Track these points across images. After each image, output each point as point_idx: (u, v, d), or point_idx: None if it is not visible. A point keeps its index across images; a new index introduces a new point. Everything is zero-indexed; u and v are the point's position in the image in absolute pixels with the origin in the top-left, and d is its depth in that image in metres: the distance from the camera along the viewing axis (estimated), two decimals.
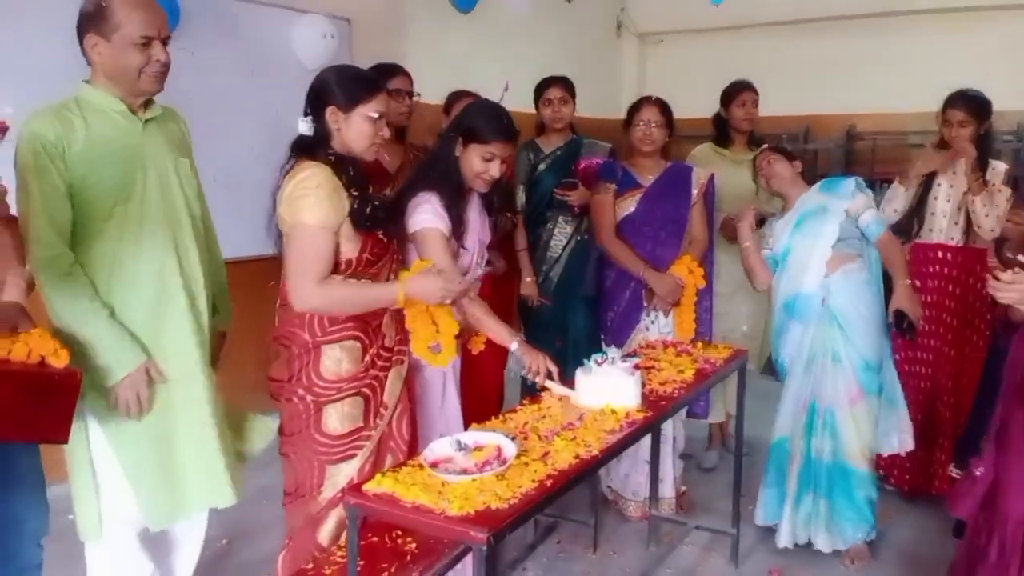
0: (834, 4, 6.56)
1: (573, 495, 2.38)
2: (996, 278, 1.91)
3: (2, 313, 1.85)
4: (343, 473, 2.14)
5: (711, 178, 3.41)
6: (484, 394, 2.85)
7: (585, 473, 1.95)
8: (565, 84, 3.67)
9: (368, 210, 2.12)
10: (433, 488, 1.75)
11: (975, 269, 3.46)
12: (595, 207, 3.38)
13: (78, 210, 2.05)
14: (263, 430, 2.46)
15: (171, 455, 2.20)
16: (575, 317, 3.60)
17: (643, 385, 2.41)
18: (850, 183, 3.08)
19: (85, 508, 2.17)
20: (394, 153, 3.11)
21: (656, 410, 2.33)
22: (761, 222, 3.24)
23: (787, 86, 6.00)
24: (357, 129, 2.15)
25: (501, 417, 2.22)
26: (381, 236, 2.19)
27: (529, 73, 3.80)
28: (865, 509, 3.01)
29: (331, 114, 2.14)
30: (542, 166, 3.67)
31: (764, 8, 6.83)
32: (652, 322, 3.32)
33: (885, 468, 3.60)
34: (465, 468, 1.85)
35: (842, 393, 2.97)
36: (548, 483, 1.81)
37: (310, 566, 2.05)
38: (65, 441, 1.87)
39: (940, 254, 3.49)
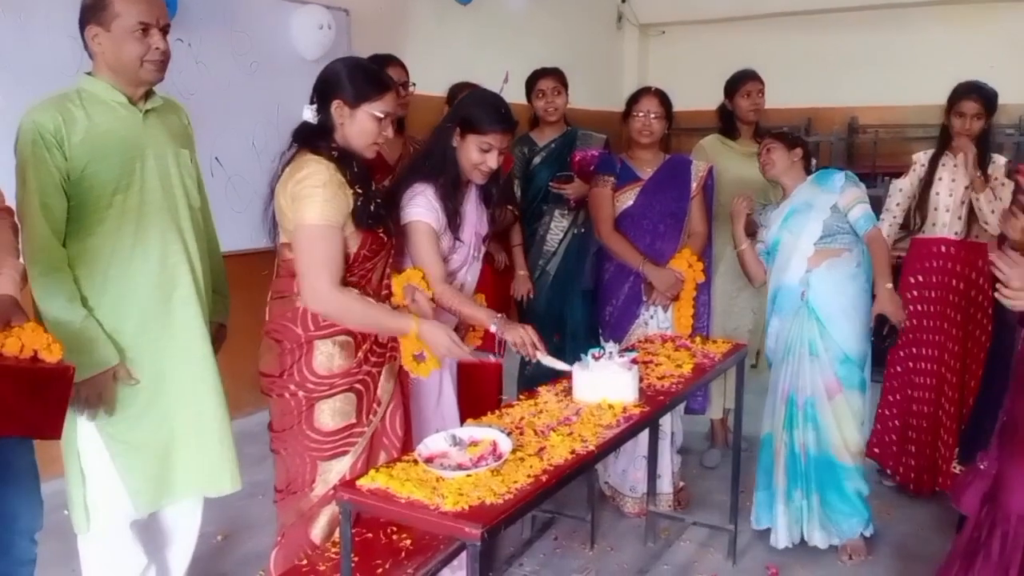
0: None
1: (570, 491, 2.37)
2: (997, 268, 1.89)
3: None
4: (335, 470, 2.12)
5: (710, 170, 3.37)
6: (482, 392, 2.83)
7: (581, 468, 1.93)
8: (557, 75, 3.61)
9: (371, 208, 2.11)
10: (427, 484, 1.74)
11: (977, 263, 3.44)
12: (593, 200, 3.34)
13: (78, 199, 2.07)
14: None
15: (171, 436, 2.23)
16: (573, 311, 3.58)
17: (640, 380, 2.39)
18: (840, 177, 3.03)
19: (75, 500, 2.18)
20: (393, 145, 3.08)
21: (654, 405, 2.31)
22: (752, 235, 3.21)
23: (789, 78, 5.94)
24: (361, 126, 2.13)
25: (497, 412, 2.20)
26: (381, 234, 2.17)
27: (530, 65, 3.75)
28: (857, 503, 2.99)
29: (337, 107, 2.11)
30: (537, 160, 3.63)
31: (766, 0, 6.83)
32: (651, 316, 3.29)
33: (889, 464, 3.59)
34: (460, 463, 1.83)
35: (820, 386, 2.94)
36: (544, 478, 1.79)
37: (304, 562, 2.04)
38: (58, 436, 1.85)
39: (942, 248, 3.47)
